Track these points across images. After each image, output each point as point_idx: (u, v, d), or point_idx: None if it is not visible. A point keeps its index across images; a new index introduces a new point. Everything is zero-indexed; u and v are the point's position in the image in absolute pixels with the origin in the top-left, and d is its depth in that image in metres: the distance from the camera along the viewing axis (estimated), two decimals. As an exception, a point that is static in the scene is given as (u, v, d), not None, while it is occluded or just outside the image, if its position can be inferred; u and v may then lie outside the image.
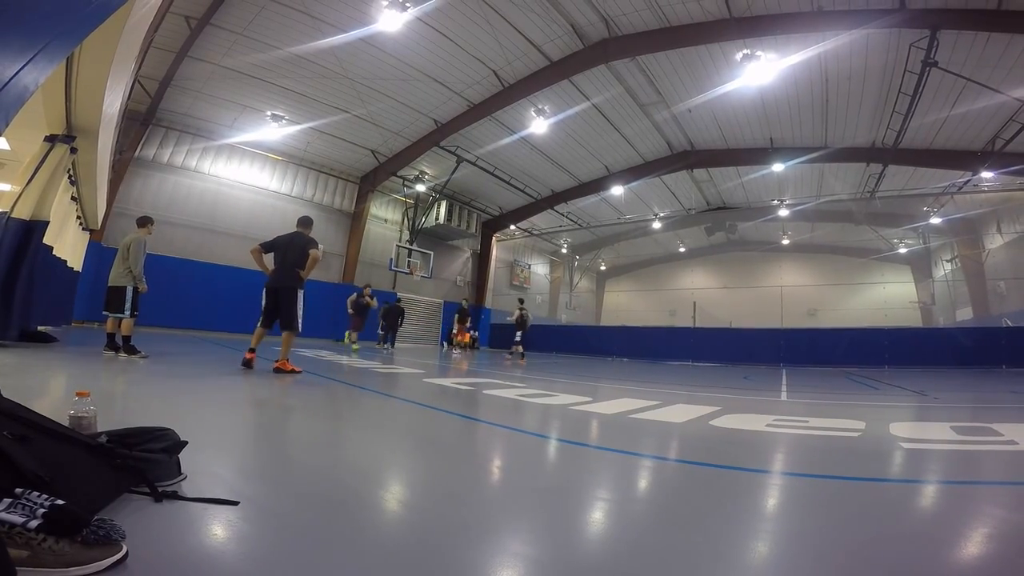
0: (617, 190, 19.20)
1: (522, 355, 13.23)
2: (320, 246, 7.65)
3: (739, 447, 2.90)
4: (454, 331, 18.46)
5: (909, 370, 12.26)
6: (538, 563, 1.17)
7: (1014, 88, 10.30)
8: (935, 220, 18.93)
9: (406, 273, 18.92)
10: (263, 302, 5.90)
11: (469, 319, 18.46)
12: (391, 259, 18.45)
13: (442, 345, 20.85)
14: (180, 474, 1.54)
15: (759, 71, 11.13)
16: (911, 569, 1.21)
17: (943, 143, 13.77)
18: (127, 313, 6.05)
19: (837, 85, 12.24)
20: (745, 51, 10.93)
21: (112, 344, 6.01)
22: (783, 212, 20.26)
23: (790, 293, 23.34)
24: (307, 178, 17.37)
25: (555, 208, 21.42)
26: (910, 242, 23.05)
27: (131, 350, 5.81)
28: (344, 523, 1.35)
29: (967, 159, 13.74)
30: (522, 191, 19.80)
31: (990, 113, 11.72)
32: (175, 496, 1.39)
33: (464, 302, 17.90)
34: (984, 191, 16.04)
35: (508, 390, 5.18)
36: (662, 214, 22.21)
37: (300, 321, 6.01)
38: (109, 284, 6.17)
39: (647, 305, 29.45)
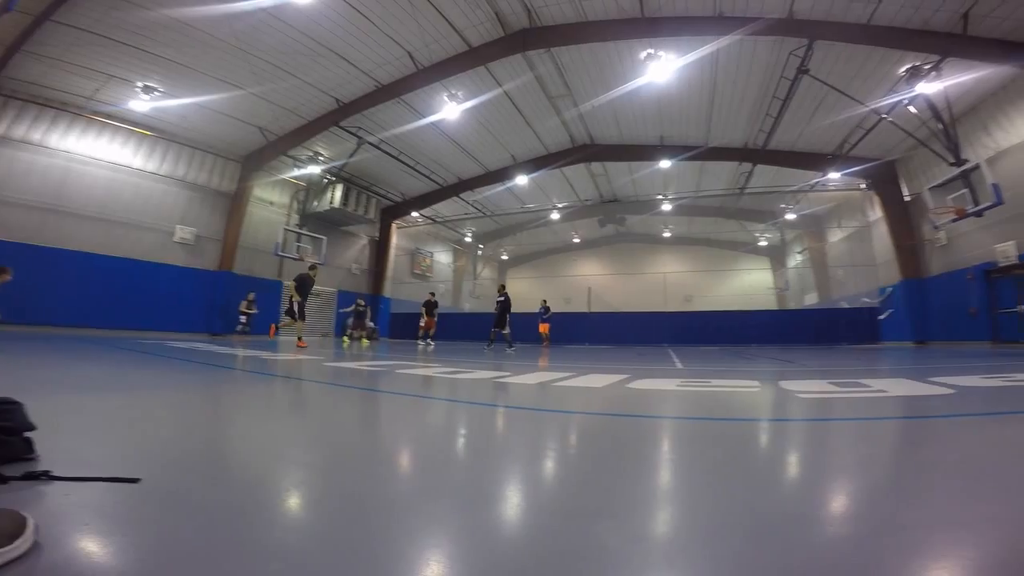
0: (522, 180, 19.48)
1: (510, 343, 11.89)
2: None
3: (662, 401, 3.08)
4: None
5: (771, 346, 14.07)
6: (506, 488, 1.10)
7: (868, 97, 12.06)
8: (790, 216, 21.86)
9: (295, 259, 17.42)
10: None
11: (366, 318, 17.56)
12: (277, 244, 16.87)
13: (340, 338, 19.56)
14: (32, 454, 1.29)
15: (659, 70, 11.87)
16: (828, 479, 1.33)
17: (803, 146, 15.87)
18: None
19: (723, 88, 13.51)
20: (649, 50, 11.59)
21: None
22: (666, 206, 22.10)
23: (671, 280, 25.58)
24: (179, 155, 15.23)
25: (461, 196, 21.18)
26: (769, 236, 26.45)
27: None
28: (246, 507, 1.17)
29: (820, 161, 16.00)
30: (428, 177, 19.27)
31: (843, 120, 13.64)
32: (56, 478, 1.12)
33: (359, 305, 16.66)
34: (830, 190, 18.83)
35: (424, 369, 5.02)
36: (561, 205, 23.03)
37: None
38: None
39: (545, 293, 30.34)
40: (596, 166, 19.50)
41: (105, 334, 12.23)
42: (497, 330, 12.07)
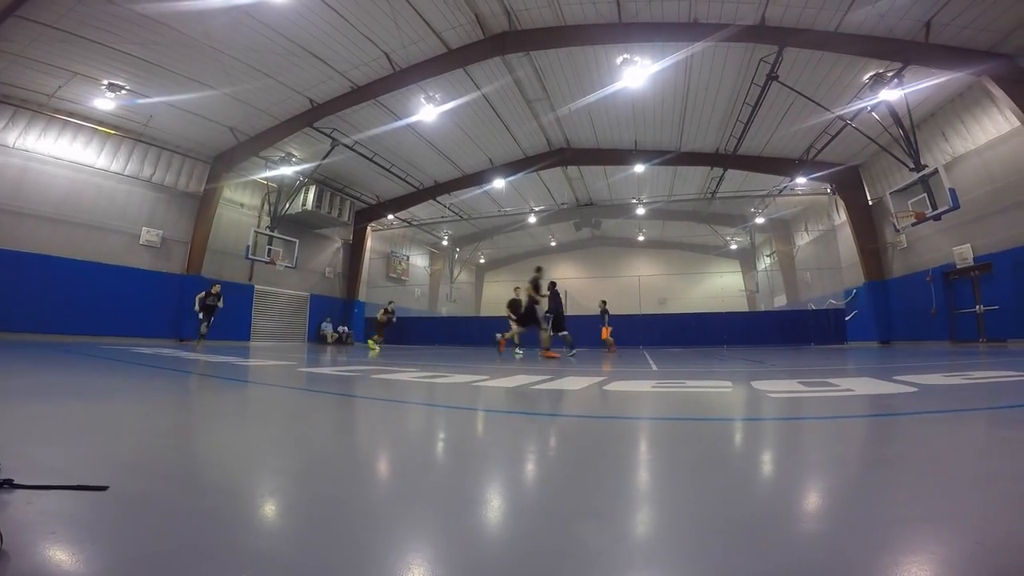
0: (499, 183, 19.47)
1: (571, 348, 9.79)
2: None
3: (638, 403, 3.12)
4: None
5: (742, 347, 14.41)
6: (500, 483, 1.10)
7: (834, 104, 12.43)
8: (760, 220, 22.45)
9: (266, 262, 17.02)
10: None
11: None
12: (248, 246, 16.43)
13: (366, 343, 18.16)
14: None
15: (635, 76, 12.05)
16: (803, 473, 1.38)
17: (771, 151, 16.30)
18: None
19: (696, 94, 13.78)
20: (625, 56, 11.75)
21: None
22: (640, 210, 22.43)
23: (645, 283, 25.94)
24: (145, 155, 14.70)
25: (437, 199, 21.04)
26: (739, 239, 27.11)
27: None
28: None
29: (788, 166, 16.47)
30: (403, 180, 19.08)
31: (810, 125, 14.04)
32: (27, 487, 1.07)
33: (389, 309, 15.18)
34: (797, 195, 19.39)
35: (401, 374, 4.96)
36: (538, 208, 23.14)
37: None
38: None
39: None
40: (572, 170, 19.65)
41: (66, 340, 11.75)
42: (552, 332, 9.78)
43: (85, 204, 13.35)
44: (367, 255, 23.33)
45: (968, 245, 12.30)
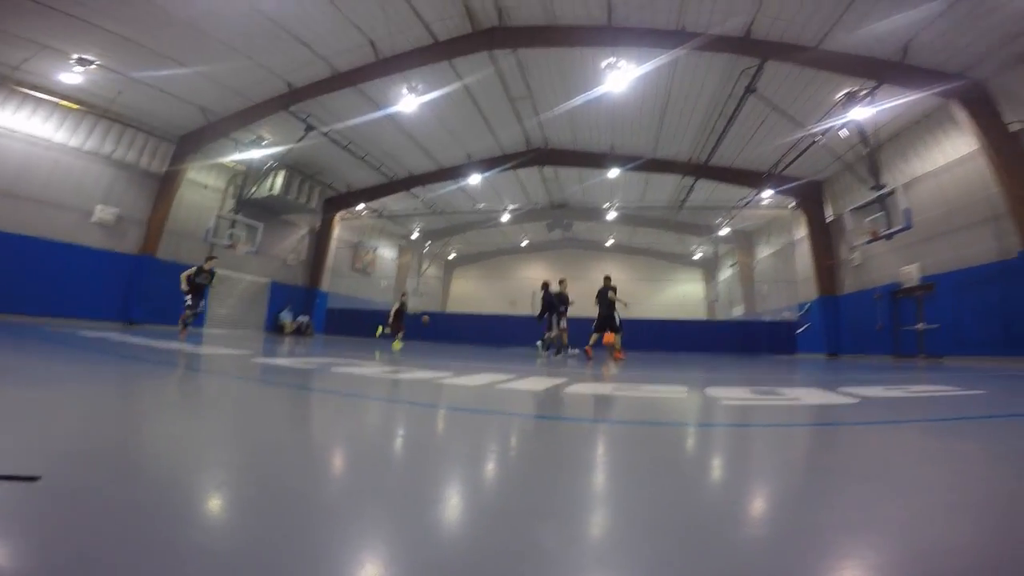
0: (475, 179, 19.35)
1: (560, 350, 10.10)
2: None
3: (597, 406, 3.18)
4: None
5: (700, 354, 14.83)
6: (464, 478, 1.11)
7: (806, 120, 12.71)
8: (725, 231, 23.12)
9: (227, 246, 16.39)
10: None
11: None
12: (209, 229, 15.78)
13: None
14: None
15: (619, 80, 12.13)
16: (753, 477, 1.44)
17: (742, 163, 16.68)
18: None
19: (676, 102, 13.96)
20: (611, 59, 11.80)
21: None
22: (612, 215, 22.76)
23: (613, 287, 26.33)
24: (108, 131, 14.01)
25: (411, 191, 20.75)
26: (704, 249, 27.87)
27: None
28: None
29: (756, 179, 16.91)
30: (378, 170, 18.71)
31: (780, 140, 14.33)
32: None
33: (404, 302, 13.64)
34: (762, 208, 20.02)
35: (366, 369, 4.89)
36: (512, 207, 23.16)
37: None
38: None
39: (490, 293, 30.63)
40: (548, 170, 19.73)
41: (11, 320, 11.06)
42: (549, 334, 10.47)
43: (39, 179, 12.62)
44: (334, 244, 22.83)
45: (916, 265, 12.89)
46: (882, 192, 11.56)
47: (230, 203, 17.43)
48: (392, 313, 12.37)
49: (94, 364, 4.14)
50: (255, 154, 16.35)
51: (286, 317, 20.13)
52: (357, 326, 19.48)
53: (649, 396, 3.73)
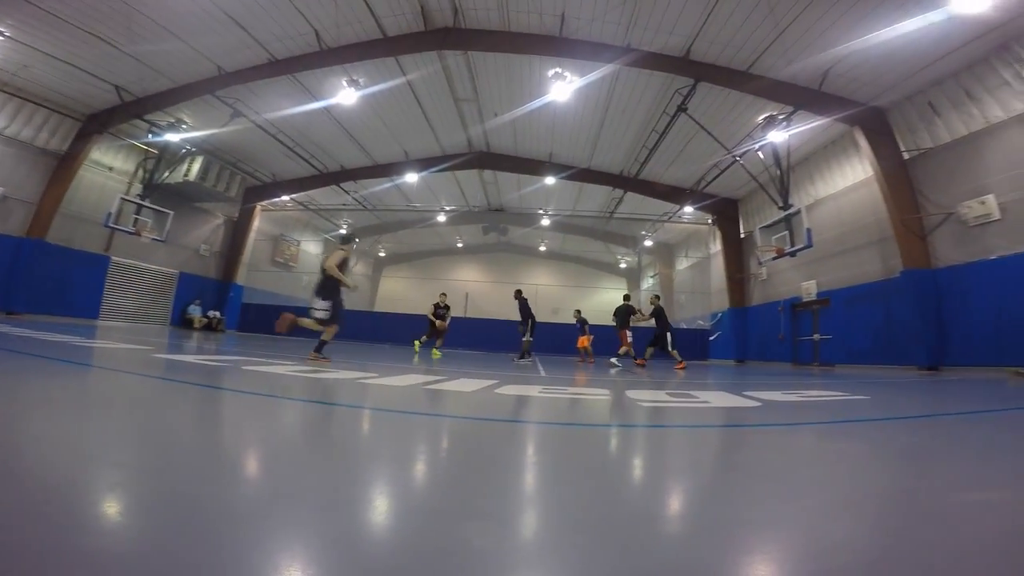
0: (411, 177, 18.92)
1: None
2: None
3: (525, 407, 3.20)
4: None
5: (622, 359, 15.42)
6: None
7: (729, 141, 13.59)
8: (648, 243, 24.29)
9: (130, 232, 14.87)
10: None
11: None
12: (110, 214, 14.25)
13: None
14: None
15: (563, 90, 12.33)
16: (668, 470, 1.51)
17: (668, 179, 17.59)
18: None
19: (614, 116, 14.44)
20: (557, 69, 11.98)
21: None
22: (545, 221, 23.21)
23: (543, 292, 26.84)
24: (3, 106, 12.52)
25: (341, 185, 19.93)
26: (629, 259, 29.15)
27: None
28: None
29: (679, 194, 17.91)
30: (307, 161, 17.80)
31: (705, 159, 15.27)
32: None
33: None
34: (684, 222, 21.23)
35: (280, 368, 4.61)
36: (448, 208, 22.92)
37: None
38: None
39: (422, 294, 29.98)
40: (488, 174, 19.75)
41: None
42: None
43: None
44: (253, 235, 21.46)
45: (814, 281, 14.27)
46: (789, 212, 12.34)
47: (138, 188, 15.85)
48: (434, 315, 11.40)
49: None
50: (172, 138, 15.00)
51: (195, 311, 18.65)
52: (274, 323, 18.40)
53: (573, 398, 3.82)
